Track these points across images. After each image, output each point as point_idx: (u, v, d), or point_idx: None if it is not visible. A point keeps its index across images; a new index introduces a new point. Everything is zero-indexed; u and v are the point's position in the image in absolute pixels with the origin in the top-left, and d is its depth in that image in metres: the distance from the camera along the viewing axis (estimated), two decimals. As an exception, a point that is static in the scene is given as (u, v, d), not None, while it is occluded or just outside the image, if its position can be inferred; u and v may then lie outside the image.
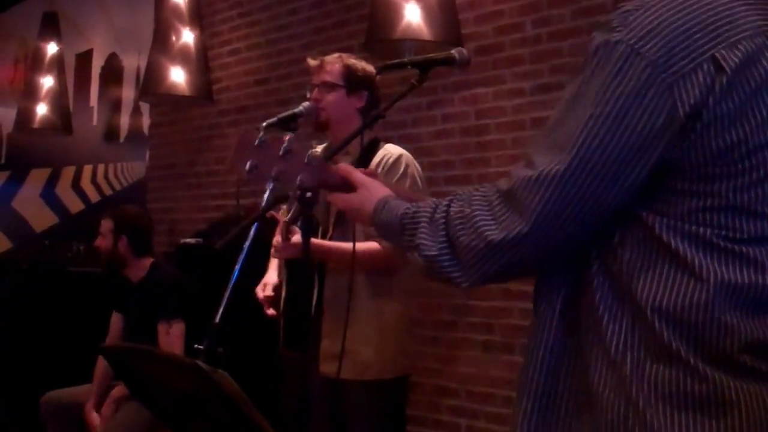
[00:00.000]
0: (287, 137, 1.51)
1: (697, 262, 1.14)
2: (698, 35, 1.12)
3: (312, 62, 2.91)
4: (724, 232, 1.14)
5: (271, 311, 2.80)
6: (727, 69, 1.11)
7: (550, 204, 1.17)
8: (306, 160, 1.51)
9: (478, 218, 1.24)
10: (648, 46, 1.12)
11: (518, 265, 1.23)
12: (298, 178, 1.50)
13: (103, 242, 4.01)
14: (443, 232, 1.28)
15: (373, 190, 1.49)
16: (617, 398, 1.16)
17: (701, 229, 1.14)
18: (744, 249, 1.14)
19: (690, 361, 1.12)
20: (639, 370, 1.15)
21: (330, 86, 2.84)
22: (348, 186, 1.53)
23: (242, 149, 1.48)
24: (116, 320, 4.09)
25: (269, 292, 2.82)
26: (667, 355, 1.13)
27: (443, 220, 1.29)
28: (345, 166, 1.56)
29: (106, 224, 4.00)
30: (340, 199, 1.54)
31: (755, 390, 1.11)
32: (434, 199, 1.37)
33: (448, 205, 1.30)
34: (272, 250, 2.79)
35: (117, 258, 3.99)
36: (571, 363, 1.24)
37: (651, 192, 1.18)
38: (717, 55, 1.11)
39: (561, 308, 1.25)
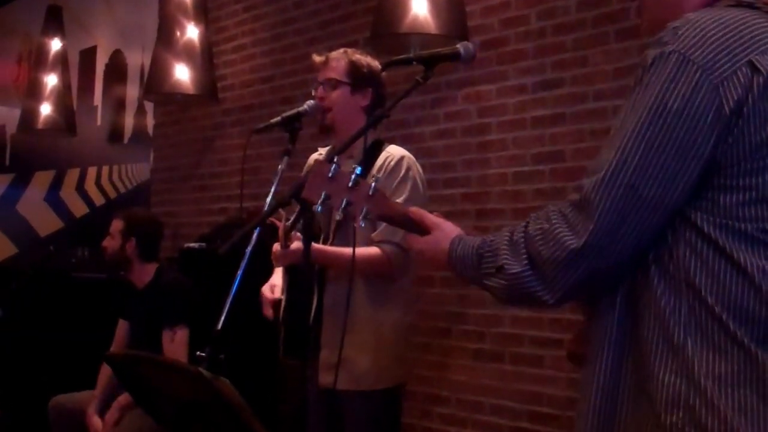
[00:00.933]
0: (356, 170, 1.64)
1: (742, 257, 1.30)
2: (736, 44, 1.32)
3: (317, 58, 2.90)
4: (762, 225, 1.31)
5: (269, 312, 2.78)
6: (763, 71, 1.30)
7: (615, 202, 1.32)
8: (370, 192, 1.62)
9: (557, 230, 1.37)
10: (697, 53, 1.31)
11: (596, 272, 1.36)
12: (363, 209, 1.62)
13: (110, 243, 3.98)
14: (524, 250, 1.41)
15: (447, 230, 1.62)
16: (678, 378, 1.30)
17: (743, 225, 1.30)
18: None
19: (744, 343, 1.28)
20: (699, 353, 1.30)
21: (334, 83, 2.82)
22: (407, 220, 1.67)
23: (317, 178, 1.62)
24: (122, 327, 4.08)
25: (278, 294, 2.81)
26: (727, 339, 1.29)
27: (523, 239, 1.42)
28: (417, 210, 1.68)
29: (117, 224, 3.99)
30: (416, 241, 1.66)
31: None
32: (509, 227, 1.48)
33: (526, 226, 1.44)
34: (273, 258, 2.76)
35: (122, 260, 3.97)
36: (630, 357, 1.37)
37: (697, 191, 1.33)
38: (753, 59, 1.31)
39: (620, 309, 1.39)
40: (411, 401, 3.77)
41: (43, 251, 6.73)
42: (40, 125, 6.19)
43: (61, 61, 6.23)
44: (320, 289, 2.75)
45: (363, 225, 1.68)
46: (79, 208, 6.70)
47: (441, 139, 4.04)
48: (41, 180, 7.14)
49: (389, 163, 2.75)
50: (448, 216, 3.91)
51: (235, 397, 1.65)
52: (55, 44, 6.24)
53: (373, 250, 2.67)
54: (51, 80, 6.16)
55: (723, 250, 1.30)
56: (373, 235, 2.69)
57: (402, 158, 2.76)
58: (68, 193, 6.83)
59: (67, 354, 4.89)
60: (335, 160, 1.65)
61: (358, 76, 2.81)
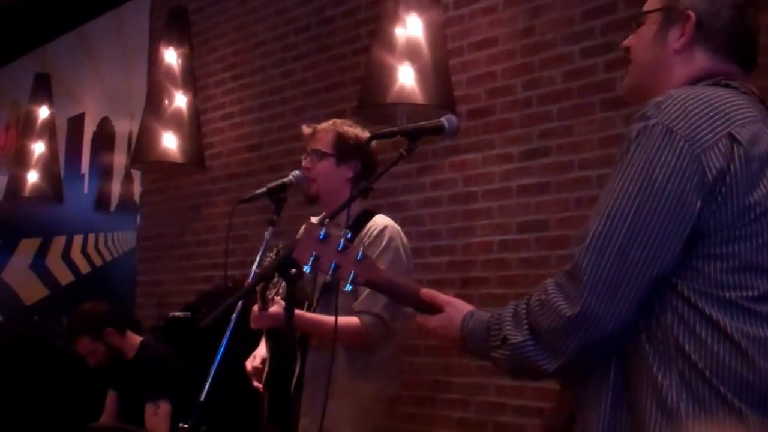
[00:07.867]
0: (346, 234, 1.68)
1: (727, 325, 1.36)
2: (715, 118, 1.41)
3: (305, 130, 2.94)
4: (744, 293, 1.37)
5: (257, 384, 2.83)
6: (743, 142, 1.39)
7: (606, 268, 1.38)
8: (358, 257, 1.67)
9: (553, 300, 1.43)
10: (680, 125, 1.40)
11: (594, 340, 1.40)
12: (351, 273, 1.67)
13: (94, 358, 3.95)
14: (525, 322, 1.48)
15: (459, 307, 1.66)
16: None
17: (726, 293, 1.37)
18: (761, 308, 1.37)
19: (735, 406, 1.34)
20: (692, 418, 1.34)
21: (320, 155, 2.86)
22: (396, 290, 1.74)
23: (307, 240, 1.67)
24: (111, 398, 4.08)
25: (257, 363, 2.86)
26: (719, 403, 1.35)
27: (525, 311, 1.49)
28: (428, 291, 1.70)
29: (83, 343, 3.93)
30: (429, 320, 1.68)
31: None
32: (515, 300, 1.54)
33: (529, 299, 1.50)
34: (251, 319, 2.75)
35: (116, 353, 3.96)
36: (626, 423, 1.41)
37: (681, 259, 1.39)
38: (732, 132, 1.40)
39: (614, 378, 1.43)
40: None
41: (27, 320, 6.68)
42: (26, 193, 6.17)
43: (49, 129, 6.24)
44: (302, 357, 2.77)
45: (349, 288, 1.70)
46: (64, 276, 6.66)
47: (427, 207, 4.06)
48: (27, 247, 7.10)
49: (372, 232, 2.78)
50: (433, 284, 3.85)
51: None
52: (43, 112, 6.25)
53: (352, 319, 2.68)
54: (38, 148, 6.16)
55: (709, 318, 1.36)
56: (354, 305, 2.70)
57: (384, 228, 2.79)
58: (54, 261, 6.79)
59: (55, 426, 4.82)
60: (325, 223, 1.73)
61: (344, 148, 2.85)
